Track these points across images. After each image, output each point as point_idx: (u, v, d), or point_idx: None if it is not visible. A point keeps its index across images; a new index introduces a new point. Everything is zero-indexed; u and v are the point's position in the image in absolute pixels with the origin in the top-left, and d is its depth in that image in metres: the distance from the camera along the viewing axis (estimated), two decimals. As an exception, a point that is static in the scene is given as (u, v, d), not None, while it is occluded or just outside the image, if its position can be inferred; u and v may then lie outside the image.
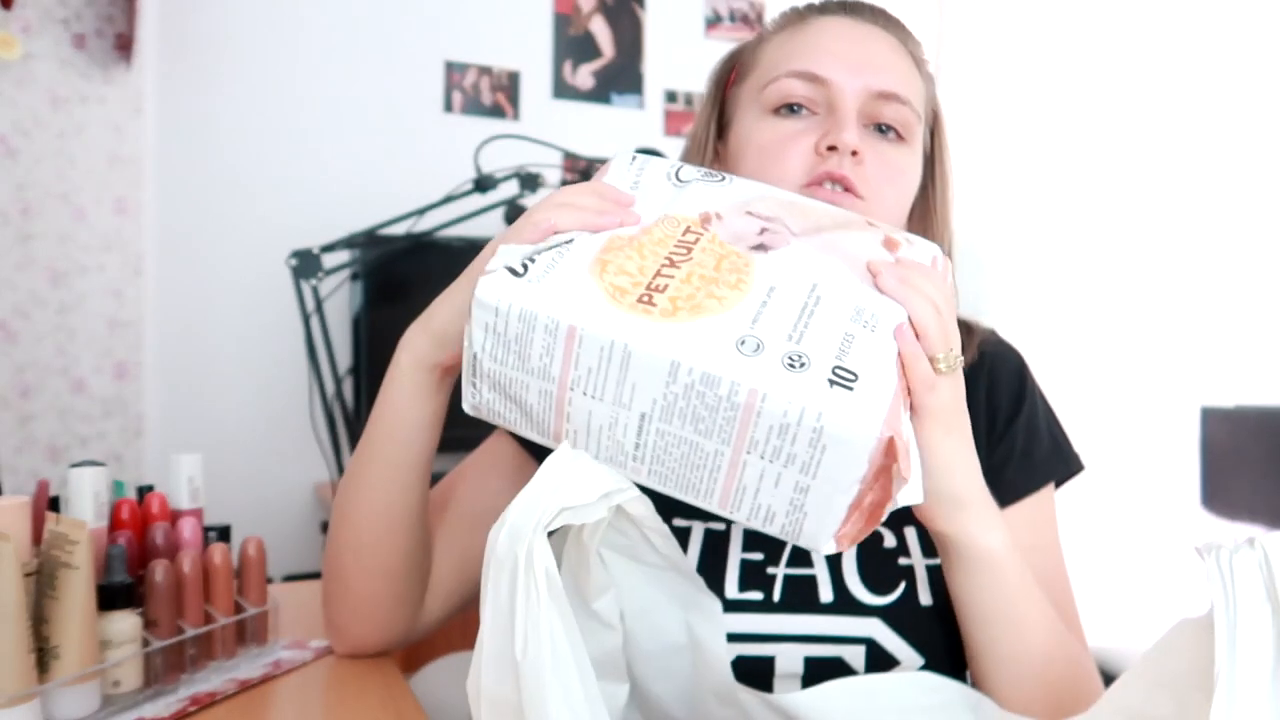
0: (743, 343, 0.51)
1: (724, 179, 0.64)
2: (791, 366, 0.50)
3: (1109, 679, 1.05)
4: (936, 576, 0.71)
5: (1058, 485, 0.78)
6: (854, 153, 0.69)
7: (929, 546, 0.72)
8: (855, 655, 0.69)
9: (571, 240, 0.57)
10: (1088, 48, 2.73)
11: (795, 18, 0.77)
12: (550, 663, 0.46)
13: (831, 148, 0.69)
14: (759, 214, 0.59)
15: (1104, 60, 2.73)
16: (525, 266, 0.54)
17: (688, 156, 0.80)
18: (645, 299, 0.53)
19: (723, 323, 0.52)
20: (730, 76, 0.80)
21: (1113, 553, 2.69)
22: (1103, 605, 2.67)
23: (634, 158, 0.65)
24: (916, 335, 0.55)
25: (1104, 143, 2.73)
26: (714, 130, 0.80)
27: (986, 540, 0.62)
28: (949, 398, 0.57)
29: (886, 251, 0.58)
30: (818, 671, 0.68)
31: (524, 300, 0.53)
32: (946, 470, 0.58)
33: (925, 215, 0.79)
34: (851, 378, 0.50)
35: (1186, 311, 2.75)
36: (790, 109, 0.72)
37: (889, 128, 0.73)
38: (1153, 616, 2.73)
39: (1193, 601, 2.73)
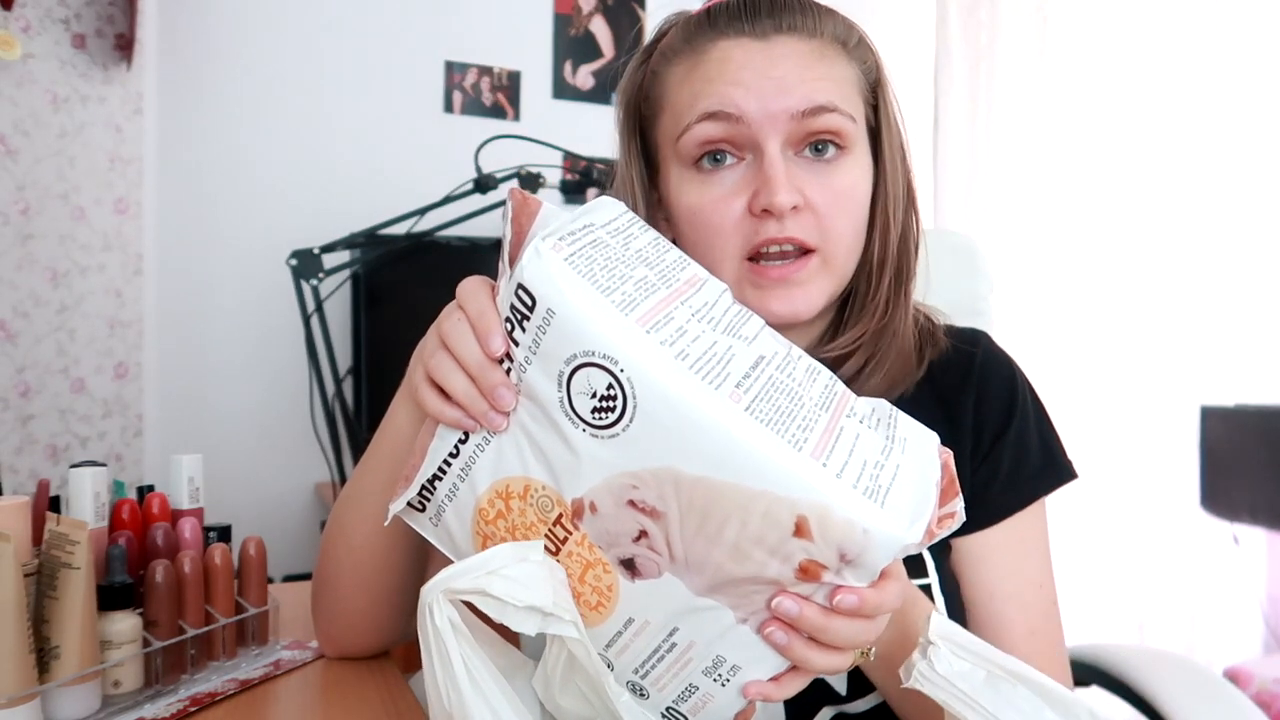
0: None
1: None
2: (634, 692, 0.56)
3: (1108, 677, 1.05)
4: (950, 592, 0.71)
5: (1047, 494, 0.75)
6: (793, 207, 0.64)
7: (940, 558, 0.72)
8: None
9: (456, 469, 0.56)
10: (1087, 47, 2.73)
11: (690, 41, 0.67)
12: (467, 682, 0.50)
13: (766, 211, 0.64)
14: (642, 505, 0.50)
15: (1103, 60, 2.73)
16: (424, 502, 0.58)
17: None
18: None
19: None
20: (638, 102, 0.72)
21: (1112, 552, 2.69)
22: (1101, 604, 2.67)
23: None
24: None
25: (1104, 142, 2.73)
26: (645, 176, 0.71)
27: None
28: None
29: (801, 578, 0.49)
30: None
31: (426, 535, 0.59)
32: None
33: (876, 200, 0.71)
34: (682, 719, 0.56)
35: (1185, 311, 2.75)
36: (714, 158, 0.66)
37: (825, 143, 0.66)
38: (1151, 615, 2.73)
39: (1189, 599, 2.73)
